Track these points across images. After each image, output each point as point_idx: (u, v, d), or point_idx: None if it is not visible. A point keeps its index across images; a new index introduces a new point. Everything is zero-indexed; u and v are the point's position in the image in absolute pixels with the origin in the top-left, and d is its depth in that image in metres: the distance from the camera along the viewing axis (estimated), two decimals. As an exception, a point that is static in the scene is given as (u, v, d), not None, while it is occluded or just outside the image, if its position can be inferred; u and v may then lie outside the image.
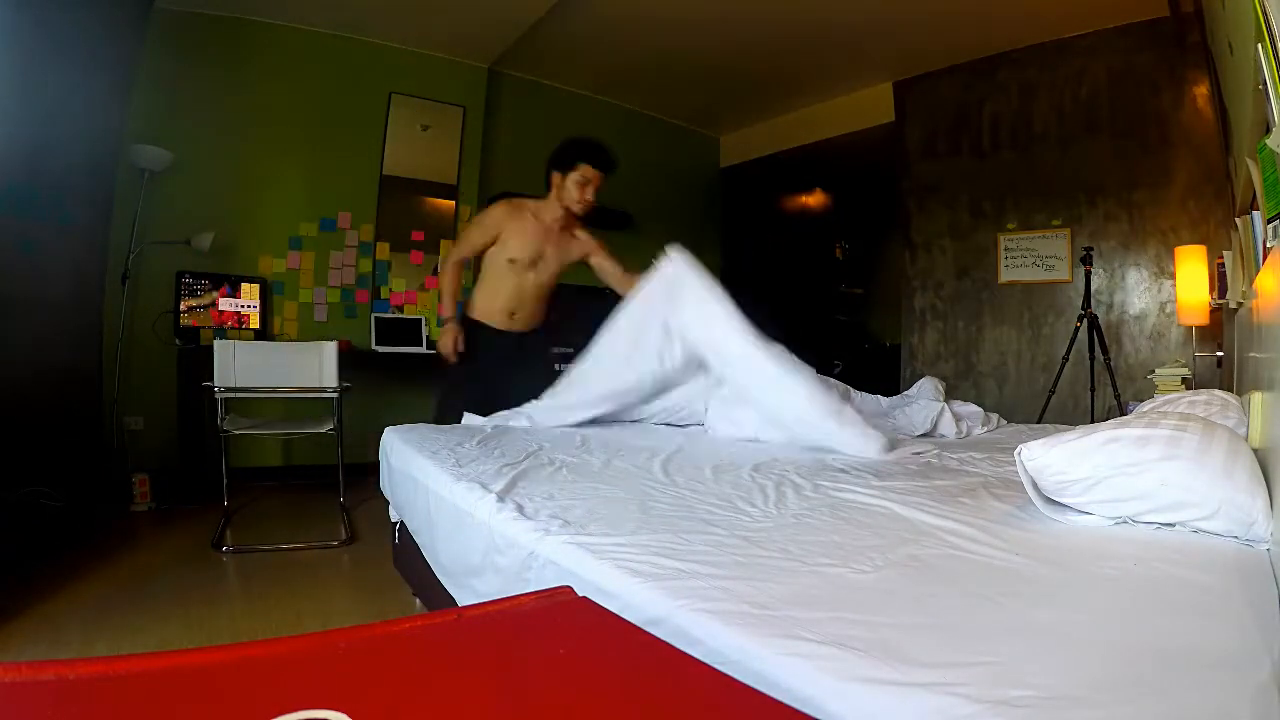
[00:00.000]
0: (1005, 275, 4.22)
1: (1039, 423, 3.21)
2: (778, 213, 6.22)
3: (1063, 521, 1.09)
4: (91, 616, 1.91)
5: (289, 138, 3.93)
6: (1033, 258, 4.11)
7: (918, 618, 0.72)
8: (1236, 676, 0.57)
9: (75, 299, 3.15)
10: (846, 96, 4.99)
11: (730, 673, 0.54)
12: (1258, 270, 1.73)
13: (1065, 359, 3.59)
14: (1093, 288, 3.51)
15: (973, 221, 4.35)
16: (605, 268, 2.61)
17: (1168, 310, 3.64)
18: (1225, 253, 2.88)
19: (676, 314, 2.06)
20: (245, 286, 3.71)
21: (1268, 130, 1.35)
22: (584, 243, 2.63)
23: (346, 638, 0.55)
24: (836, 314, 6.60)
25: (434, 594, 1.55)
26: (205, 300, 3.59)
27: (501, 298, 2.54)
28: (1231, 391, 2.11)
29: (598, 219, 4.97)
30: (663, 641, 0.58)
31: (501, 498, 1.26)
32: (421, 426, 2.12)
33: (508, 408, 2.27)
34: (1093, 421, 2.60)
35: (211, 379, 2.74)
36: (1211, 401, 1.67)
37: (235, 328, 3.66)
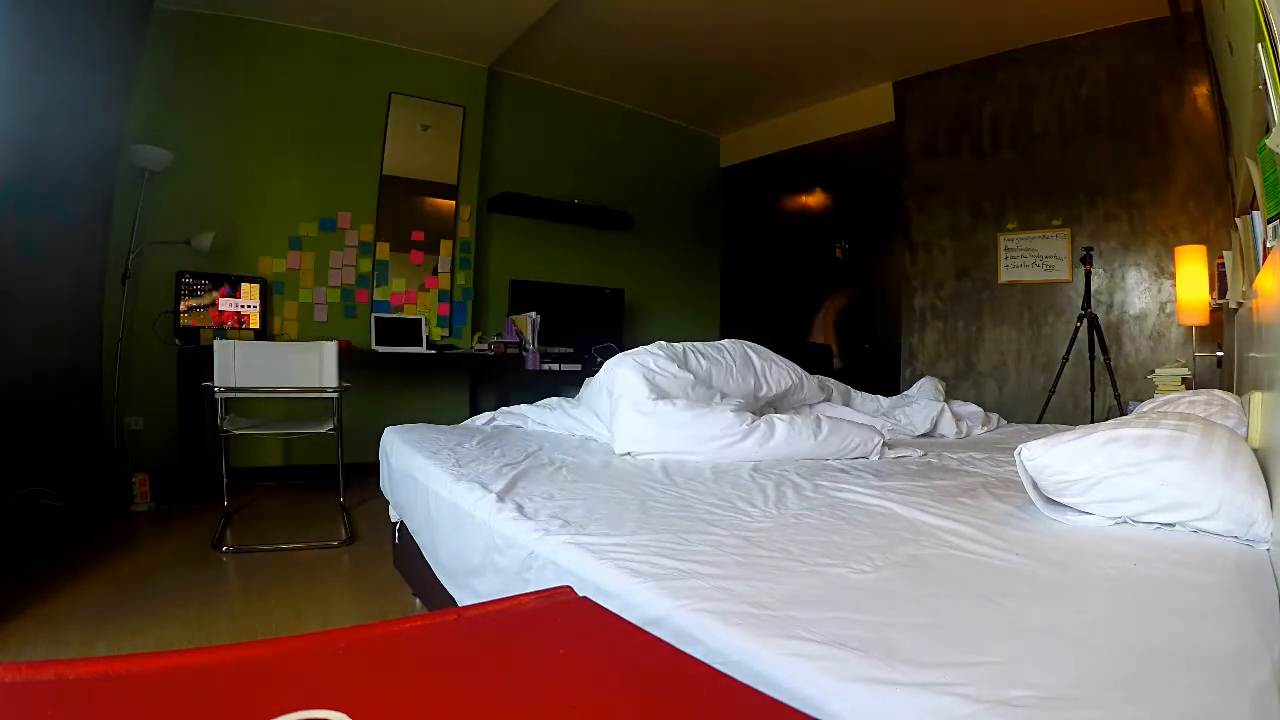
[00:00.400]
0: (1005, 275, 4.21)
1: (1039, 423, 3.22)
2: (778, 213, 6.22)
3: (1063, 521, 1.09)
4: (91, 616, 1.91)
5: (289, 137, 3.93)
6: (1033, 258, 4.11)
7: (917, 618, 0.72)
8: (1236, 676, 0.57)
9: (75, 298, 3.15)
10: (846, 96, 4.98)
11: (730, 673, 0.54)
12: (1258, 270, 1.72)
13: (1065, 359, 3.59)
14: (1093, 288, 3.51)
15: (973, 221, 4.34)
16: None
17: (1168, 310, 3.64)
18: (1225, 253, 2.88)
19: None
20: (245, 286, 3.71)
21: (1268, 130, 1.35)
22: None
23: (346, 638, 0.55)
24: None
25: (434, 594, 1.55)
26: (205, 300, 3.59)
27: None
28: (1231, 391, 2.11)
29: (598, 219, 5.02)
30: (663, 641, 0.58)
31: (501, 498, 1.27)
32: (421, 426, 2.12)
33: None
34: (1093, 421, 2.60)
35: (211, 379, 2.73)
36: (1211, 401, 1.67)
37: (235, 328, 3.65)
